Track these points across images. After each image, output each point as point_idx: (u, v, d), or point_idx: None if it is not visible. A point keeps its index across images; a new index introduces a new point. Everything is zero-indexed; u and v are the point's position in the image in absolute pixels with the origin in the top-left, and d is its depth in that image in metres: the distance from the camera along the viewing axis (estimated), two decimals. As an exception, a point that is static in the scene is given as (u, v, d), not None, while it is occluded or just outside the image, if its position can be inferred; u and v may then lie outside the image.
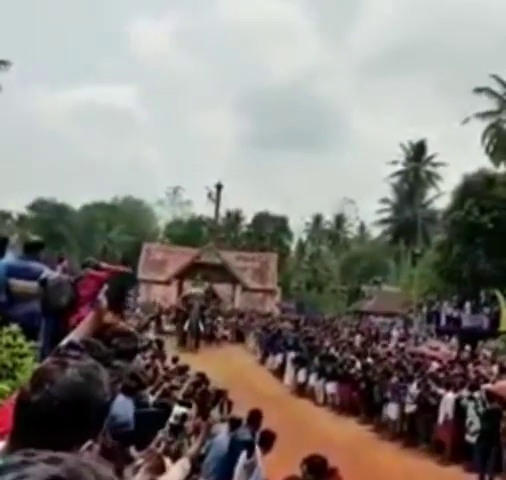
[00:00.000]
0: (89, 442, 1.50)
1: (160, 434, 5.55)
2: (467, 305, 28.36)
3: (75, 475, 1.09)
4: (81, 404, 1.54)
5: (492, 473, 12.83)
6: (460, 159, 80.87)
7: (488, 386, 14.35)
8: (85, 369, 1.63)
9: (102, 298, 3.52)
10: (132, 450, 4.55)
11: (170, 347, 22.81)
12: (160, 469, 4.25)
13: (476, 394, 14.47)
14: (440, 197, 52.02)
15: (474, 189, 35.65)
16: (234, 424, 8.30)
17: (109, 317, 3.72)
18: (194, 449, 5.69)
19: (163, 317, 33.19)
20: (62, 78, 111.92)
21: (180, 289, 35.60)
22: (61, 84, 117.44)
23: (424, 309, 31.99)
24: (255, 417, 8.39)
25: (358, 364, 20.63)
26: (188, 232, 59.27)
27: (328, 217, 68.89)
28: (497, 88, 42.39)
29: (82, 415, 1.52)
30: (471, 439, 13.75)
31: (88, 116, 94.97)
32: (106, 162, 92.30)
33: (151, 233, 60.83)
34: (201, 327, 29.72)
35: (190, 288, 34.59)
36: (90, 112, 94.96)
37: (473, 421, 13.89)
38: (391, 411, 17.09)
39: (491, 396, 13.91)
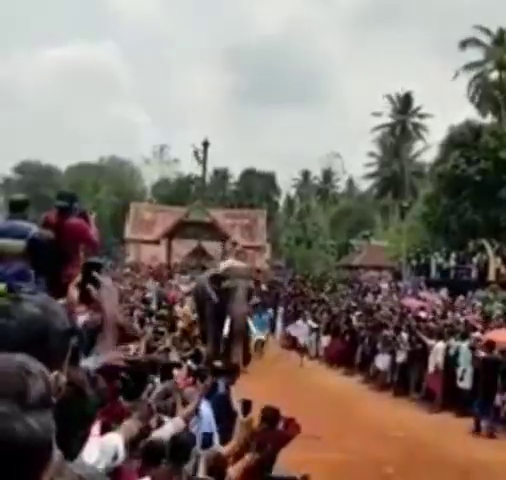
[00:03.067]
0: (55, 372, 1.51)
1: (150, 385, 5.59)
2: (454, 256, 28.49)
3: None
4: (40, 334, 1.57)
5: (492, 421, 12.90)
6: (447, 111, 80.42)
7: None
8: (40, 301, 1.66)
9: (74, 292, 3.56)
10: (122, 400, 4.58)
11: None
12: (149, 418, 4.28)
13: (465, 343, 14.69)
14: (427, 150, 51.89)
15: (460, 141, 35.54)
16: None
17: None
18: (189, 409, 5.74)
19: (177, 309, 20.74)
20: (43, 38, 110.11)
21: (169, 248, 35.53)
22: (42, 44, 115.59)
23: (413, 262, 32.15)
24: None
25: (350, 317, 20.85)
26: (176, 191, 58.94)
27: (316, 172, 68.77)
28: (483, 38, 41.98)
29: (42, 345, 1.54)
30: (464, 385, 13.97)
31: (71, 76, 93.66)
32: (91, 122, 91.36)
33: (138, 193, 60.47)
34: (253, 329, 19.02)
35: (215, 261, 27.18)
36: (73, 72, 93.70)
37: (466, 369, 14.09)
38: (381, 362, 17.34)
39: (491, 345, 14.11)
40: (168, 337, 12.83)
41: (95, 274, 3.03)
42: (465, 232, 33.01)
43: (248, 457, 5.13)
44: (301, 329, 22.54)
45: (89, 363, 2.62)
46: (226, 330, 17.46)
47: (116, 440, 3.20)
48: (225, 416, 7.48)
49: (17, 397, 1.12)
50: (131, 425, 3.46)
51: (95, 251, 6.97)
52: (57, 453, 1.29)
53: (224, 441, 6.35)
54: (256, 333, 19.55)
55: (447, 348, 14.88)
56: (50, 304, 1.71)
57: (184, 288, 24.98)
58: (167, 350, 10.67)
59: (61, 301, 3.26)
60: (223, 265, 19.27)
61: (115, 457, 3.13)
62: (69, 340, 1.74)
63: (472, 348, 14.18)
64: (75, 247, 5.73)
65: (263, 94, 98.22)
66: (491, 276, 25.75)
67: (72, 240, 5.61)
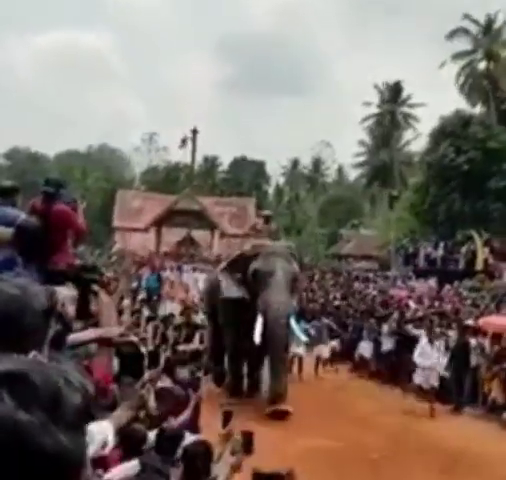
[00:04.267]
0: (32, 352, 1.52)
1: (146, 375, 5.64)
2: (443, 245, 28.60)
3: (39, 371, 1.00)
4: (18, 314, 1.62)
5: (467, 405, 13.46)
6: (437, 101, 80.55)
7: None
8: (19, 283, 1.72)
9: (71, 308, 3.69)
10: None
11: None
12: (140, 408, 4.31)
13: (449, 332, 14.85)
14: (416, 139, 51.93)
15: (450, 130, 35.63)
16: None
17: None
18: (181, 419, 5.76)
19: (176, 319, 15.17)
20: (35, 23, 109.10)
21: (158, 236, 35.42)
22: (34, 29, 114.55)
23: (401, 251, 32.27)
24: None
25: (336, 303, 21.00)
26: (164, 179, 58.78)
27: (306, 161, 68.72)
28: (471, 28, 41.96)
29: (19, 324, 1.59)
30: (444, 374, 14.16)
31: (62, 62, 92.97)
32: (80, 109, 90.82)
33: (127, 181, 60.26)
34: (299, 350, 14.87)
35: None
36: (65, 58, 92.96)
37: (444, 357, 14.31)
38: (365, 350, 17.44)
39: (468, 330, 14.35)
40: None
41: (93, 289, 3.09)
42: (453, 222, 33.17)
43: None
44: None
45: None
46: (257, 338, 11.48)
47: (106, 428, 3.21)
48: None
49: (49, 408, 0.98)
50: (122, 414, 3.48)
51: (82, 239, 6.98)
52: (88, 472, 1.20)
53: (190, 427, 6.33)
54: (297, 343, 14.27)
55: (432, 338, 15.02)
56: (30, 286, 1.75)
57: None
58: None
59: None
60: (248, 245, 13.55)
61: (104, 445, 3.15)
62: (48, 322, 1.76)
63: (459, 336, 14.35)
64: (62, 234, 5.73)
65: (254, 83, 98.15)
66: (479, 266, 25.89)
67: (58, 226, 5.60)
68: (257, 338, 11.48)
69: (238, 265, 12.65)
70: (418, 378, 13.51)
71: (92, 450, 3.02)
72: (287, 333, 12.12)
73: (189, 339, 13.10)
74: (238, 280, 12.43)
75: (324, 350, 16.73)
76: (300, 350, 15.23)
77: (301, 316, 16.17)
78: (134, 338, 5.35)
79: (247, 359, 13.15)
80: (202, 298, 18.44)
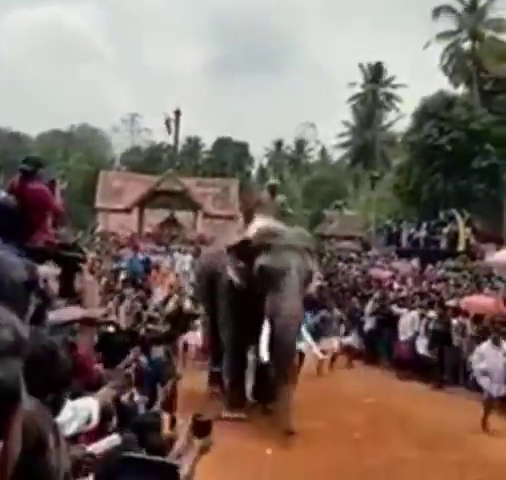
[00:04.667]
0: None
1: (131, 355, 5.65)
2: (425, 226, 28.69)
3: None
4: None
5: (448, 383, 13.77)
6: (420, 82, 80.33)
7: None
8: None
9: (54, 285, 3.73)
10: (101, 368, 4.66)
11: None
12: (125, 388, 4.32)
13: (431, 312, 14.97)
14: (399, 120, 51.96)
15: (433, 111, 35.68)
16: None
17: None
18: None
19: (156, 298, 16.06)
20: (14, 0, 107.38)
21: (141, 217, 35.25)
22: (13, 6, 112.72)
23: (384, 231, 32.36)
24: None
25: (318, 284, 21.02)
26: (146, 160, 58.47)
27: (289, 142, 68.58)
28: (456, 6, 41.83)
29: None
30: (425, 353, 14.32)
31: (45, 41, 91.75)
32: (62, 89, 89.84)
33: (108, 161, 59.85)
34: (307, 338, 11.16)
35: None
36: (45, 36, 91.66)
37: (425, 337, 14.47)
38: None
39: (450, 311, 14.49)
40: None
41: (78, 267, 3.09)
42: (436, 202, 33.30)
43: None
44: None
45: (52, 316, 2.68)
46: (264, 355, 9.73)
47: (91, 405, 3.23)
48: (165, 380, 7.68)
49: None
50: (107, 393, 3.50)
51: (61, 219, 6.92)
52: (30, 402, 1.28)
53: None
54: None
55: (414, 317, 15.16)
56: (7, 257, 1.75)
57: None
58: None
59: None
60: (254, 228, 10.81)
61: (89, 421, 3.17)
62: (28, 294, 1.75)
63: (441, 316, 14.47)
64: (40, 213, 5.67)
65: (238, 64, 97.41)
66: (461, 246, 26.04)
67: (34, 205, 5.55)
68: (264, 354, 9.67)
69: (241, 254, 10.35)
70: (486, 384, 10.97)
71: (76, 425, 3.03)
72: (295, 345, 10.31)
73: (185, 330, 12.01)
74: (241, 270, 10.35)
75: (331, 344, 14.92)
76: (302, 345, 11.63)
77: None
78: (116, 319, 5.36)
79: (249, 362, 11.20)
80: (192, 283, 17.67)
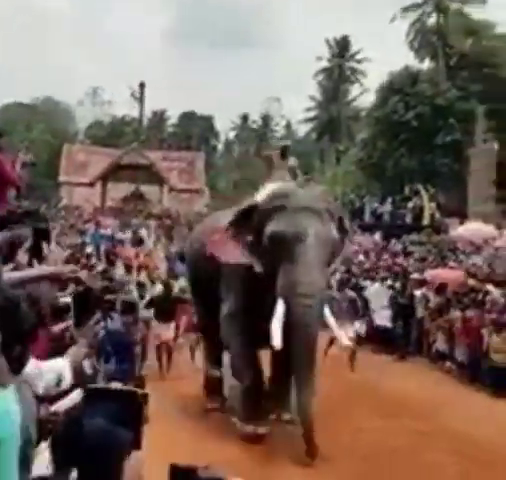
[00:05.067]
0: None
1: (98, 314, 5.61)
2: (390, 200, 28.89)
3: None
4: None
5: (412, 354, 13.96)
6: (386, 57, 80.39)
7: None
8: None
9: (23, 256, 3.85)
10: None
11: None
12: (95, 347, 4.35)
13: (397, 284, 15.13)
14: (365, 94, 52.07)
15: (398, 86, 35.82)
16: None
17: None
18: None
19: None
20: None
21: (104, 191, 34.89)
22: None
23: (348, 206, 32.50)
24: None
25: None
26: (110, 133, 57.73)
27: (255, 116, 68.28)
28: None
29: None
30: (387, 324, 14.49)
31: (6, 12, 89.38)
32: (23, 61, 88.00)
33: (72, 135, 58.97)
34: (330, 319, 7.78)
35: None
36: (8, 8, 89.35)
37: (389, 308, 14.64)
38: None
39: (414, 282, 14.68)
40: None
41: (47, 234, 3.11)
42: (401, 177, 33.55)
43: None
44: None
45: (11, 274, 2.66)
46: (276, 342, 7.23)
47: (61, 365, 3.19)
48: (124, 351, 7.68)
49: None
50: (78, 352, 3.47)
51: (19, 191, 6.80)
52: None
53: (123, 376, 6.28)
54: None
55: (379, 290, 15.31)
56: None
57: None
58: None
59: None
60: (264, 193, 8.47)
61: (59, 381, 3.12)
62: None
63: (405, 287, 14.67)
64: None
65: (203, 37, 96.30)
66: (426, 221, 26.33)
67: None
68: (276, 341, 7.21)
69: (247, 223, 8.00)
70: None
71: (42, 386, 2.99)
72: (318, 329, 7.64)
73: (170, 318, 11.49)
74: (248, 245, 7.97)
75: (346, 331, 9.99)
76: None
77: None
78: (83, 275, 5.34)
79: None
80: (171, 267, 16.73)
